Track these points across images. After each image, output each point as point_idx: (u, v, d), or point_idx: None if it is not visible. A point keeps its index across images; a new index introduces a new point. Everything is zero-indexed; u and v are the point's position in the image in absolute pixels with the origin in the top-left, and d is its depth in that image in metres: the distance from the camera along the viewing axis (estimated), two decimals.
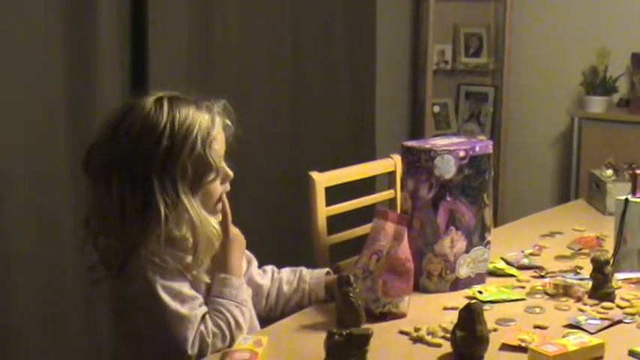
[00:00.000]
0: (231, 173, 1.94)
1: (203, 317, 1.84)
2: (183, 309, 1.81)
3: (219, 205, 1.94)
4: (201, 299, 1.87)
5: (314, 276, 2.19)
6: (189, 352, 1.79)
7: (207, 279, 1.90)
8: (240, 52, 3.59)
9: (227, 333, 1.85)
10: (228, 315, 1.87)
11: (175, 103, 1.86)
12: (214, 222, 1.89)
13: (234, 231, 1.99)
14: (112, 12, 3.01)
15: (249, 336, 1.87)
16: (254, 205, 3.21)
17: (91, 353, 2.96)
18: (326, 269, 2.22)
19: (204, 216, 1.86)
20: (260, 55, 3.69)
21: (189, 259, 1.86)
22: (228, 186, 1.95)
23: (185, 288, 1.84)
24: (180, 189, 1.82)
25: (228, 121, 1.93)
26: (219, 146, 1.90)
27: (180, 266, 1.84)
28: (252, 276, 2.14)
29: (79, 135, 2.90)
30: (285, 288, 2.17)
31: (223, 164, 1.93)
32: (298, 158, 3.77)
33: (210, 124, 1.87)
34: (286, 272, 2.21)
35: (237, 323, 1.87)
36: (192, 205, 1.83)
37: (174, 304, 1.81)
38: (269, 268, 2.21)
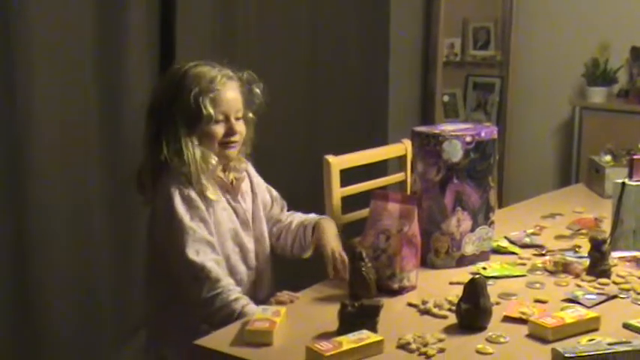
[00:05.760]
0: (236, 128, 2.15)
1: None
2: (190, 222, 2.04)
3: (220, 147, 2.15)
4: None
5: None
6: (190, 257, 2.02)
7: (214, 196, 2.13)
8: (261, 44, 3.59)
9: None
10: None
11: (198, 64, 2.15)
12: (208, 156, 2.11)
13: None
14: None
15: (269, 307, 1.89)
16: (273, 184, 3.22)
17: (118, 307, 3.01)
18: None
19: (197, 150, 2.10)
20: (279, 50, 3.70)
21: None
22: (235, 137, 2.16)
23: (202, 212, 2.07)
24: (179, 127, 2.09)
25: (231, 84, 2.15)
26: (222, 100, 2.12)
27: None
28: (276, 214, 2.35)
29: (109, 112, 2.93)
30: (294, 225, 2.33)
31: (232, 120, 2.14)
32: (317, 145, 3.78)
33: (214, 80, 2.12)
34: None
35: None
36: (186, 140, 2.09)
37: (182, 210, 2.04)
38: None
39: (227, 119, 2.14)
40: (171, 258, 2.07)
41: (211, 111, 2.10)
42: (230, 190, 2.19)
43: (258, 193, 2.29)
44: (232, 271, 2.14)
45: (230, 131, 2.15)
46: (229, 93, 2.15)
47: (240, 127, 2.17)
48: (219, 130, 2.14)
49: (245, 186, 2.26)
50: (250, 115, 2.23)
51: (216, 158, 2.14)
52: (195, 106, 2.09)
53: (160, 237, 2.12)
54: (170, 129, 2.10)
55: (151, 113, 2.16)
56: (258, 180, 2.32)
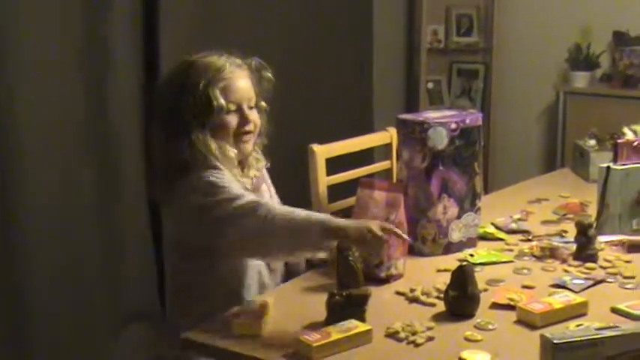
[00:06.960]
0: (250, 117, 2.07)
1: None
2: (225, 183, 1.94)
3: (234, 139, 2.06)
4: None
5: None
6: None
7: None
8: (246, 34, 3.55)
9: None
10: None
11: (205, 54, 2.06)
12: (225, 150, 2.02)
13: None
14: None
15: (256, 299, 1.87)
16: None
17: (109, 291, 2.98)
18: None
19: (212, 144, 2.00)
20: (262, 40, 3.65)
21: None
22: (249, 127, 2.07)
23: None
24: (191, 123, 1.99)
25: (241, 72, 2.07)
26: (232, 89, 2.03)
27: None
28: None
29: (94, 112, 2.89)
30: None
31: (245, 109, 2.05)
32: (302, 133, 3.74)
33: (223, 69, 2.03)
34: None
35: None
36: (197, 135, 1.98)
37: (214, 178, 1.94)
38: None
39: (239, 109, 2.05)
40: (214, 228, 1.93)
41: (222, 102, 2.01)
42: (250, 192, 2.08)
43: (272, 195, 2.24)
44: (261, 282, 2.07)
45: (244, 121, 2.06)
46: (240, 81, 2.06)
47: (253, 116, 2.08)
48: (233, 120, 2.04)
49: (264, 187, 2.20)
50: (263, 103, 2.15)
51: (235, 151, 2.05)
52: (206, 98, 1.99)
53: (193, 227, 1.99)
54: (182, 126, 1.99)
55: (159, 113, 2.06)
56: (269, 182, 2.26)
